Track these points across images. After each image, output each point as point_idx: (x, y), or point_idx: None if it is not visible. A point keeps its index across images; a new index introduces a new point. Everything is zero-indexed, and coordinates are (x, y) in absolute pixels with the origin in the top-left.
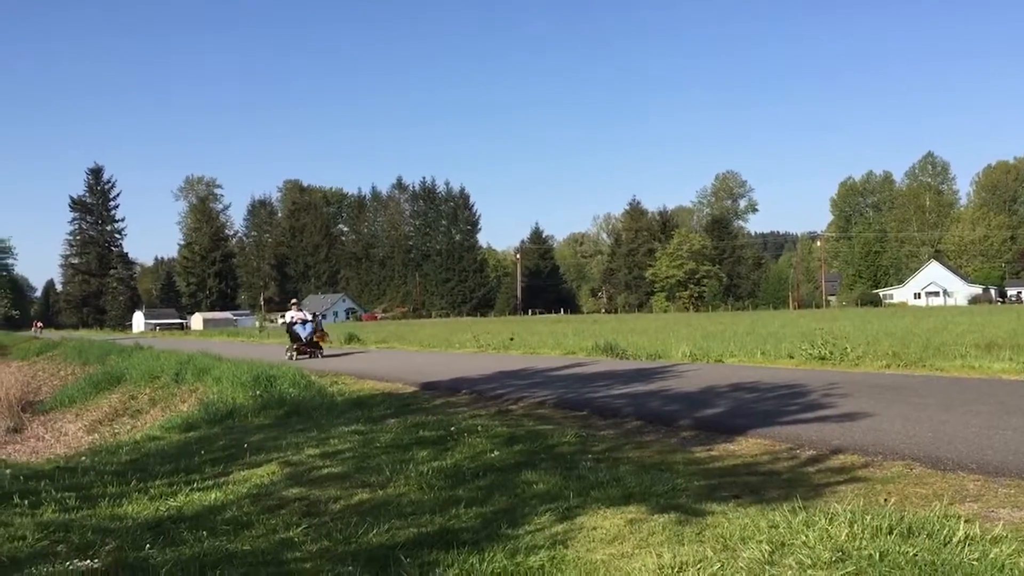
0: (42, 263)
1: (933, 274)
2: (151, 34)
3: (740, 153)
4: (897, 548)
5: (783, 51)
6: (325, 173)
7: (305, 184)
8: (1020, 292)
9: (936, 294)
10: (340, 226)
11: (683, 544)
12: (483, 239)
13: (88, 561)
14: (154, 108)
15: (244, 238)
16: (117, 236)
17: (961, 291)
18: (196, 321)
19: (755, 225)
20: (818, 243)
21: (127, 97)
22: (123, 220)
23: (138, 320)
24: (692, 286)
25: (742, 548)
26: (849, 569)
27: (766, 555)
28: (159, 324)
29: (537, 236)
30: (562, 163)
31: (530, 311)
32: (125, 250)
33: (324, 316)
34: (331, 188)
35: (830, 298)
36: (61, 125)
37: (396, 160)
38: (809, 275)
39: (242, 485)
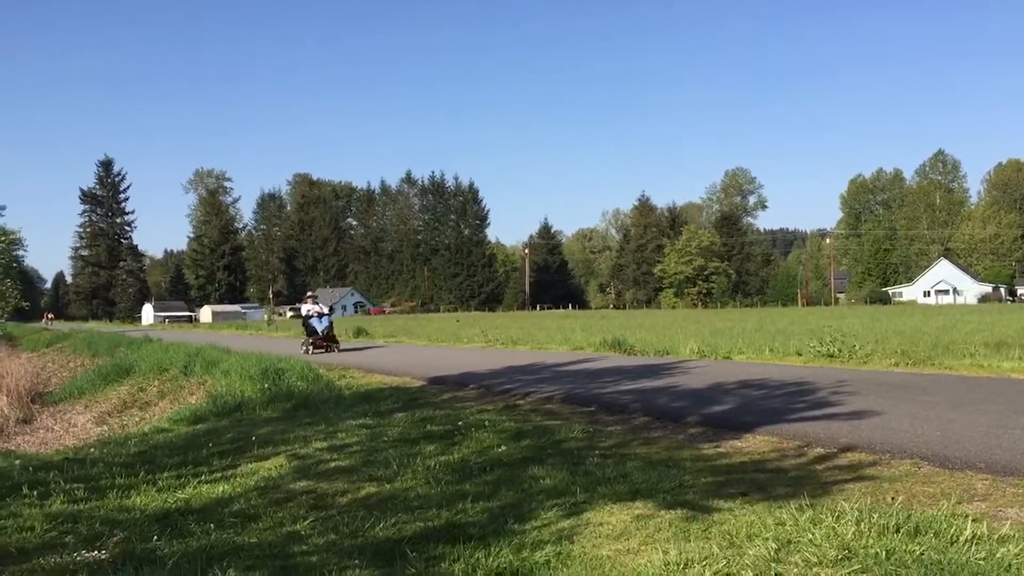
0: (52, 255)
1: (943, 272)
2: (161, 27)
3: (750, 150)
4: (904, 547)
5: (794, 48)
6: (334, 167)
7: (314, 178)
8: None
9: (946, 292)
10: (349, 220)
11: (689, 541)
12: (492, 234)
13: (96, 552)
14: (164, 101)
15: (253, 231)
16: (127, 228)
17: (971, 289)
18: (205, 314)
19: (764, 222)
20: (827, 240)
21: (137, 90)
22: (133, 212)
23: (147, 312)
24: (701, 282)
25: (748, 545)
26: (855, 567)
27: (772, 552)
28: (168, 316)
29: (546, 231)
30: (571, 158)
31: (538, 306)
32: (135, 242)
33: (332, 310)
34: (340, 182)
35: (839, 296)
36: (71, 117)
37: (405, 154)
38: (818, 272)
39: (250, 478)
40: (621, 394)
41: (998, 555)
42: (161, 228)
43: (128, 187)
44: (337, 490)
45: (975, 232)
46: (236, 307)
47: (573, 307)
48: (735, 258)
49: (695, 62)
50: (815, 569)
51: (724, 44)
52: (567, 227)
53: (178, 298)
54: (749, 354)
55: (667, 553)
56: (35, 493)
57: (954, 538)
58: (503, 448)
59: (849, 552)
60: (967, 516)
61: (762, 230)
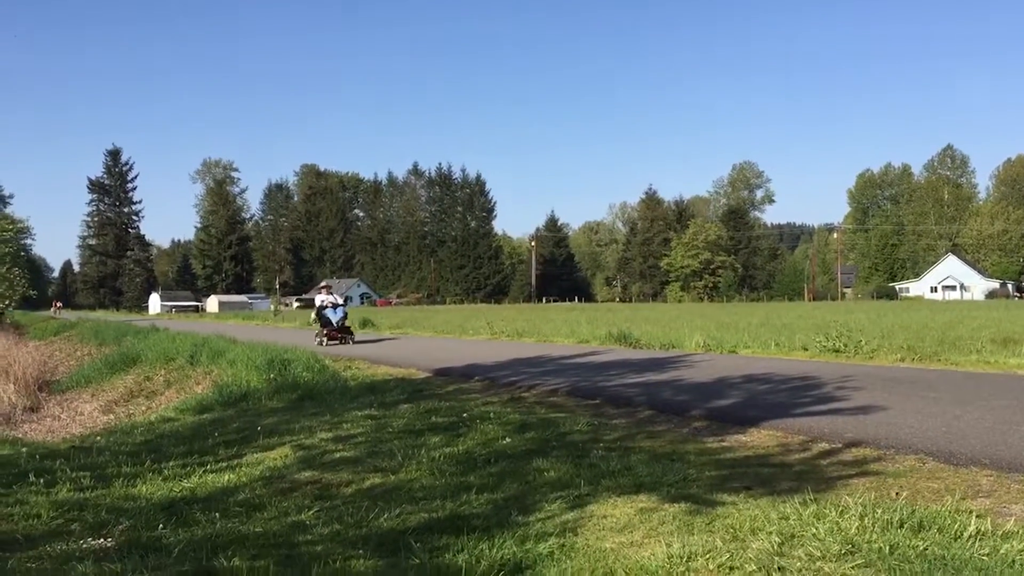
0: (60, 244)
1: (950, 268)
2: (167, 18)
3: (757, 144)
4: (907, 542)
5: (802, 42)
6: (341, 158)
7: (321, 169)
8: None
9: (953, 288)
10: (356, 211)
11: (693, 534)
12: (498, 226)
13: (102, 540)
14: (173, 91)
15: (260, 222)
16: (134, 218)
17: (978, 285)
18: (211, 304)
19: (771, 216)
20: (835, 235)
21: (146, 80)
22: (140, 202)
23: (154, 302)
24: (707, 276)
25: (752, 539)
26: (858, 562)
27: (776, 546)
28: (175, 306)
29: (552, 224)
30: (578, 151)
31: (544, 299)
32: (142, 232)
33: (347, 301)
34: (347, 173)
35: (845, 290)
36: (80, 107)
37: (412, 146)
38: (825, 267)
39: (255, 468)
40: (626, 387)
41: (1002, 551)
42: (168, 218)
43: (136, 177)
44: (342, 480)
45: (983, 228)
46: (243, 297)
47: (579, 300)
48: (742, 252)
49: (704, 56)
50: (818, 563)
51: (733, 38)
52: (574, 220)
53: (185, 288)
54: (755, 348)
55: (670, 546)
56: (42, 481)
57: (958, 534)
58: (508, 440)
59: (852, 547)
60: (971, 512)
61: (769, 224)
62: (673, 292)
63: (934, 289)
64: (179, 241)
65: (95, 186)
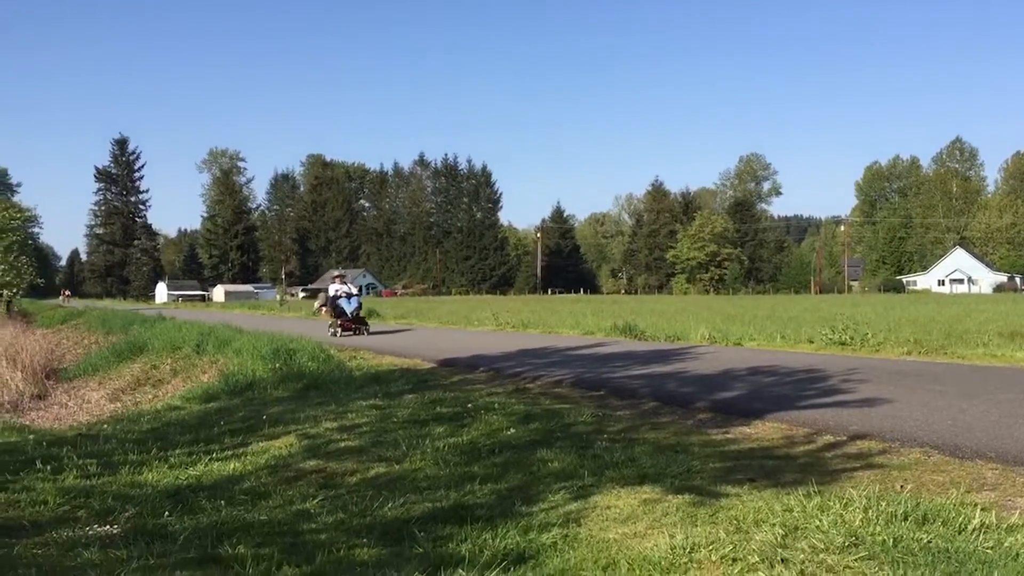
0: (67, 233)
1: (958, 261)
2: (174, 8)
3: (764, 135)
4: (911, 535)
5: (810, 34)
6: (348, 148)
7: (328, 159)
8: None
9: (960, 281)
10: (362, 201)
11: (696, 525)
12: (504, 217)
13: (108, 527)
14: (179, 81)
15: (266, 211)
16: (141, 207)
17: (986, 279)
18: (218, 293)
19: (778, 208)
20: (842, 228)
21: (153, 69)
22: (147, 191)
23: (161, 291)
24: (713, 268)
25: (755, 531)
26: (862, 554)
27: (779, 538)
28: (181, 295)
29: (558, 215)
30: (585, 142)
31: (550, 290)
32: (149, 221)
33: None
34: (353, 163)
35: (852, 283)
36: (88, 96)
37: (418, 137)
38: (832, 260)
39: (260, 456)
40: (631, 379)
41: (1006, 544)
42: (175, 207)
43: (143, 166)
44: (346, 470)
45: (991, 221)
46: (249, 287)
47: (584, 292)
48: (748, 244)
49: (711, 47)
50: (821, 555)
51: (740, 29)
52: (580, 211)
53: (191, 277)
54: (760, 341)
55: (674, 537)
56: (49, 468)
57: (962, 527)
58: (512, 431)
59: (856, 539)
60: (976, 505)
61: (776, 216)
62: (679, 284)
63: (941, 282)
64: (186, 230)
65: (102, 175)
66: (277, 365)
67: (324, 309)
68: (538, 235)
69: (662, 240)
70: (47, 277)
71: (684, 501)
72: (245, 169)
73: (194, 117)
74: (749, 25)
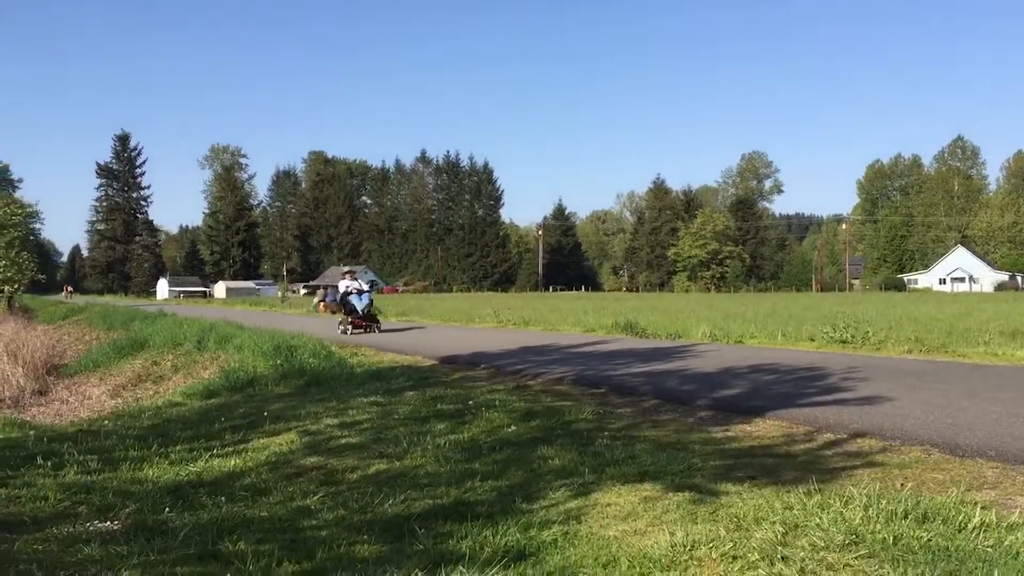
0: (69, 229)
1: (959, 260)
2: (176, 4)
3: (767, 133)
4: (911, 533)
5: (812, 31)
6: (350, 145)
7: (329, 155)
8: None
9: (962, 280)
10: (363, 198)
11: (696, 523)
12: (506, 214)
13: (108, 523)
14: (181, 76)
15: (268, 208)
16: (143, 203)
17: (987, 278)
18: (219, 289)
19: (780, 206)
20: (843, 226)
21: (155, 65)
22: (149, 187)
23: (162, 287)
24: (715, 266)
25: (756, 528)
26: (862, 552)
27: (779, 536)
28: (183, 291)
29: (560, 212)
30: (587, 140)
31: (551, 287)
32: (150, 217)
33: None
34: (355, 160)
35: (854, 282)
36: (89, 92)
37: (420, 133)
38: (833, 258)
39: (261, 452)
40: (632, 376)
41: (1006, 543)
42: (177, 203)
43: (144, 162)
44: (347, 466)
45: (993, 220)
46: (250, 283)
47: (586, 289)
48: (750, 242)
49: (713, 45)
50: (822, 553)
51: (742, 27)
52: (581, 209)
53: (193, 273)
54: (761, 339)
55: (674, 535)
56: (49, 464)
57: (962, 525)
58: (513, 428)
59: (856, 537)
60: (976, 504)
61: (777, 215)
62: (680, 282)
63: (943, 281)
64: (187, 227)
65: (104, 171)
66: (278, 362)
67: (323, 305)
68: (539, 232)
69: (664, 238)
70: (48, 273)
71: (684, 499)
72: (247, 165)
73: (196, 113)
74: (752, 22)
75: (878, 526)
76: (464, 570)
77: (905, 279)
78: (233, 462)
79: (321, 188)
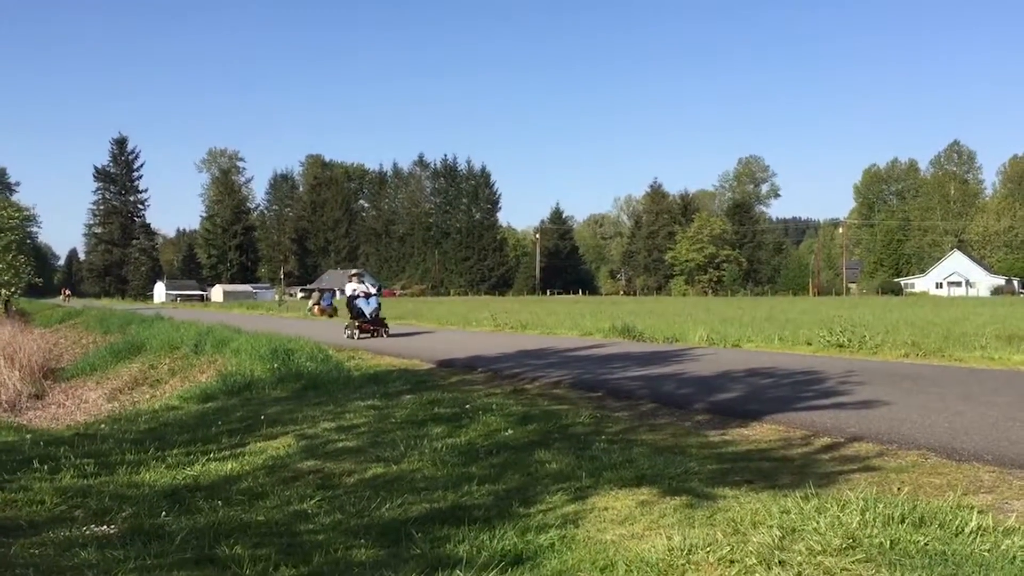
0: (66, 232)
1: (956, 264)
2: (173, 7)
3: (763, 138)
4: (908, 537)
5: (809, 35)
6: (347, 148)
7: (327, 159)
8: None
9: (958, 284)
10: (361, 202)
11: (694, 527)
12: (503, 218)
13: (105, 527)
14: (178, 80)
15: (265, 211)
16: (140, 207)
17: (984, 282)
18: (216, 293)
19: (777, 211)
20: (840, 230)
21: (153, 68)
22: (146, 191)
23: (159, 290)
24: (712, 270)
25: (753, 532)
26: (859, 556)
27: (776, 540)
28: (180, 295)
29: (557, 216)
30: (584, 144)
31: (548, 291)
32: (148, 221)
33: (335, 293)
34: (352, 164)
35: (850, 286)
36: (87, 95)
37: (418, 137)
38: (830, 262)
39: (258, 456)
40: (629, 380)
41: (1003, 547)
42: (174, 207)
43: (141, 165)
44: (344, 470)
45: (989, 224)
46: (247, 287)
47: (583, 293)
48: (747, 246)
49: (710, 49)
50: (819, 557)
51: (740, 31)
52: (578, 213)
53: (190, 277)
54: (758, 342)
55: (671, 539)
56: (46, 467)
57: (959, 529)
58: (510, 432)
59: (853, 541)
60: (973, 508)
61: (774, 219)
62: (677, 286)
63: (939, 285)
64: (184, 230)
65: (101, 175)
66: (275, 365)
67: (317, 308)
68: (537, 236)
69: (661, 242)
70: (45, 276)
71: (682, 503)
72: (244, 169)
73: (193, 116)
74: (748, 27)
75: (875, 530)
76: (461, 574)
77: (902, 283)
78: (230, 466)
79: (318, 192)
